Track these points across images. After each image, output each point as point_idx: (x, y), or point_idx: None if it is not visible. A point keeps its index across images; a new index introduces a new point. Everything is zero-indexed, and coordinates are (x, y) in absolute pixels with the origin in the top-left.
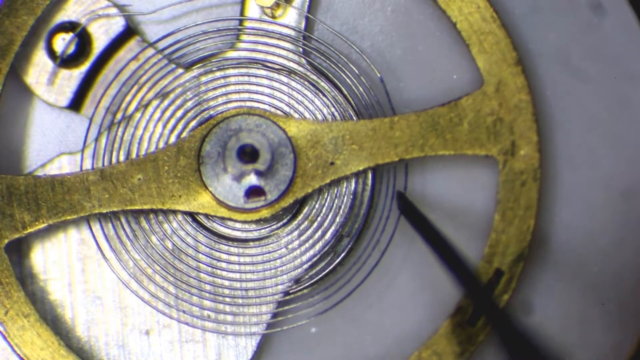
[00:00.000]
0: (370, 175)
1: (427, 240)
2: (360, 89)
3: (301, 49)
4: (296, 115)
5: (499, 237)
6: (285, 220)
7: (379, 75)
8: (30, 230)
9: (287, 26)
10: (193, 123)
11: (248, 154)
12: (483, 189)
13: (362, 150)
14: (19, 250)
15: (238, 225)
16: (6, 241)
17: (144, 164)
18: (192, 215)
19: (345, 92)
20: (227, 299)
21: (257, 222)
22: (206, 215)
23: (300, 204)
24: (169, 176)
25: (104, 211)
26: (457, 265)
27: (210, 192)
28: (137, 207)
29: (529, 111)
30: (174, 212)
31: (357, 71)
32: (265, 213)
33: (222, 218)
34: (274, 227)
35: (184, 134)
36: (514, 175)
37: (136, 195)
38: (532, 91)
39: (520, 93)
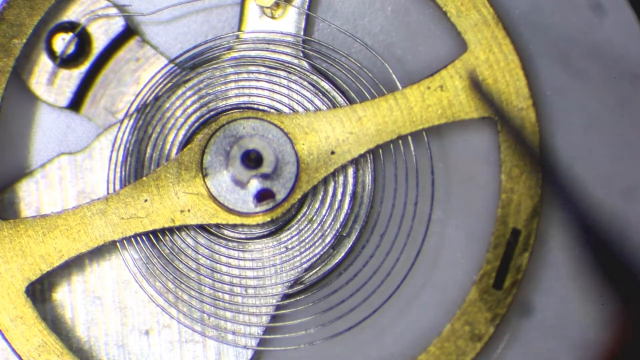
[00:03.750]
0: (370, 175)
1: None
2: (361, 88)
3: (301, 50)
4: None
5: (509, 196)
6: (286, 220)
7: (387, 66)
8: (48, 269)
9: (287, 32)
10: (196, 125)
11: (253, 160)
12: (489, 152)
13: (360, 134)
14: (32, 284)
15: (238, 226)
16: (26, 284)
17: (148, 184)
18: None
19: (345, 89)
20: (227, 298)
21: (262, 224)
22: (217, 225)
23: (300, 203)
24: (175, 192)
25: (117, 237)
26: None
27: (219, 201)
28: (148, 229)
29: (517, 65)
30: (187, 227)
31: (356, 72)
32: (276, 213)
33: (235, 225)
34: (275, 227)
35: (186, 135)
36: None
37: (145, 217)
38: (519, 52)
39: (504, 49)
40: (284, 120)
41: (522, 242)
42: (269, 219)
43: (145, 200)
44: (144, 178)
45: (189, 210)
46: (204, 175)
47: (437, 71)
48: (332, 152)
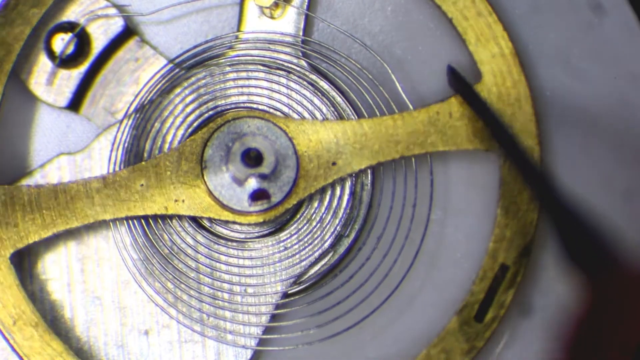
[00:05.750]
0: (369, 174)
1: (478, 113)
2: (360, 88)
3: (300, 50)
4: (295, 116)
5: (502, 232)
6: (287, 218)
7: (387, 67)
8: (35, 239)
9: (286, 32)
10: (195, 124)
11: (253, 159)
12: (486, 184)
13: (364, 149)
14: (18, 251)
15: (237, 226)
16: (11, 251)
17: (146, 169)
18: (193, 217)
19: (345, 89)
20: (226, 297)
21: (260, 224)
22: (210, 219)
23: (298, 203)
24: (172, 181)
25: (108, 218)
26: (506, 136)
27: (215, 196)
28: (140, 213)
29: (528, 104)
30: (179, 216)
31: (355, 72)
32: (269, 215)
33: (227, 222)
34: (274, 227)
35: (185, 135)
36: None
37: (139, 201)
38: (530, 85)
39: (518, 86)
40: (290, 125)
41: (509, 279)
42: (261, 220)
43: (142, 185)
44: (143, 163)
45: (183, 201)
46: (203, 168)
47: (448, 97)
48: (334, 163)
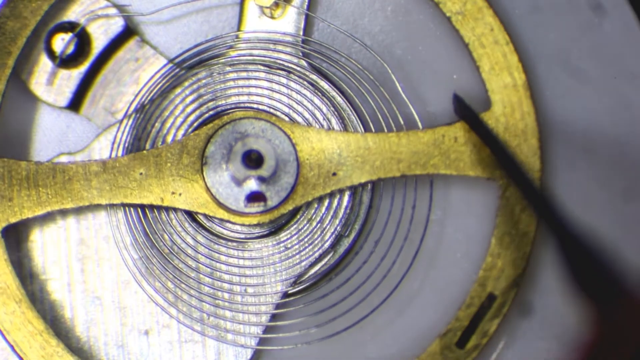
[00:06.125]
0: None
1: (484, 140)
2: (360, 88)
3: (300, 49)
4: (296, 116)
5: (494, 261)
6: (283, 221)
7: (387, 67)
8: (28, 215)
9: (286, 32)
10: (195, 124)
11: (253, 160)
12: (483, 210)
13: (365, 164)
14: (18, 250)
15: (238, 226)
16: (4, 225)
17: (147, 159)
18: (192, 216)
19: (345, 89)
20: (226, 296)
21: (255, 225)
22: (205, 216)
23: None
24: (171, 173)
25: (103, 202)
26: (512, 164)
27: (212, 193)
28: (136, 202)
29: (535, 137)
30: (174, 209)
31: (355, 72)
32: (264, 218)
33: (221, 220)
34: (274, 228)
35: (183, 133)
36: (515, 200)
37: (136, 189)
38: (539, 116)
39: (527, 118)
40: (295, 130)
41: (495, 309)
42: (255, 222)
43: (141, 174)
44: (144, 151)
45: (180, 194)
46: (203, 164)
47: (455, 122)
48: (334, 174)
